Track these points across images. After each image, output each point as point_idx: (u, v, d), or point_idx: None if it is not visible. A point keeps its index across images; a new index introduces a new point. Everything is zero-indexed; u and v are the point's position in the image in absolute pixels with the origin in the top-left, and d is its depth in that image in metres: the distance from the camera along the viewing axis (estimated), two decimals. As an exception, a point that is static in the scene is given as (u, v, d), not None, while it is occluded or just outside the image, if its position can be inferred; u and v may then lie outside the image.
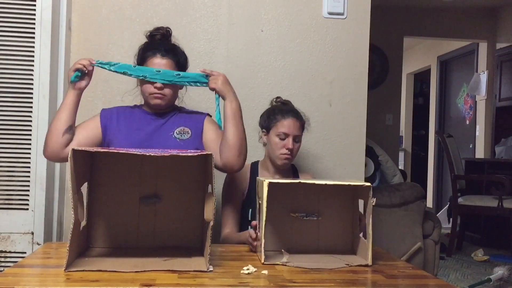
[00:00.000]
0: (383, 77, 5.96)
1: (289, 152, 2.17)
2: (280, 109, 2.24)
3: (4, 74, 2.37)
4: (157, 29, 2.10)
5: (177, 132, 2.02)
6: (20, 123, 2.37)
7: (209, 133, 2.06)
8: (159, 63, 1.99)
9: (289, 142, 2.16)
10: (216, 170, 1.91)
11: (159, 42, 2.07)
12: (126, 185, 1.70)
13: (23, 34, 2.38)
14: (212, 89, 2.01)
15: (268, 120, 2.23)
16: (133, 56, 2.12)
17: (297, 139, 2.20)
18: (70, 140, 1.94)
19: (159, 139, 2.01)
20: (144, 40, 2.12)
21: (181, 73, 2.00)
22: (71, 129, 1.95)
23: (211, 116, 2.14)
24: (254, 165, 2.31)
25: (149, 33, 2.10)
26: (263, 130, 2.27)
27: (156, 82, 1.96)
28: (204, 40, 2.65)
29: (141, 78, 1.97)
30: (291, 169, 2.33)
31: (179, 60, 2.06)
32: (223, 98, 1.99)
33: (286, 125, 2.17)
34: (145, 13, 2.60)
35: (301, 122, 2.22)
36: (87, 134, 2.00)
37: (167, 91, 1.99)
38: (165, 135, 2.02)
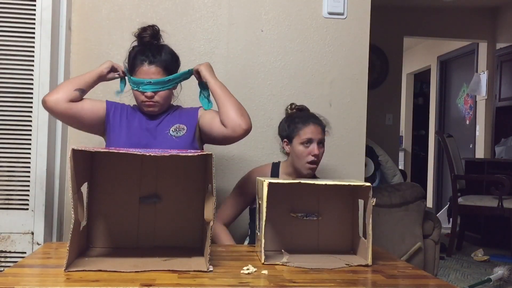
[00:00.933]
0: (383, 77, 5.96)
1: (315, 159, 2.15)
2: (299, 116, 2.22)
3: (4, 74, 2.37)
4: (144, 29, 2.06)
5: (173, 130, 2.04)
6: (20, 123, 2.37)
7: (207, 114, 2.08)
8: (148, 71, 1.98)
9: (314, 147, 2.14)
10: (215, 168, 1.91)
11: (148, 45, 2.04)
12: (126, 185, 1.71)
13: (23, 34, 2.38)
14: (196, 72, 2.09)
15: (289, 130, 2.20)
16: (133, 56, 2.12)
17: (321, 143, 2.18)
18: (77, 99, 2.01)
19: (157, 139, 2.03)
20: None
21: (171, 77, 2.02)
22: (83, 92, 2.03)
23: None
24: (276, 166, 2.29)
25: (137, 34, 2.07)
26: (285, 140, 2.24)
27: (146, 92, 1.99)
28: (204, 40, 2.65)
29: (135, 89, 2.01)
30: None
31: (167, 65, 2.03)
32: (206, 80, 2.06)
33: (309, 131, 2.15)
34: (145, 13, 2.60)
35: (322, 125, 2.21)
36: (93, 105, 2.05)
37: (158, 98, 2.01)
38: (162, 133, 2.04)
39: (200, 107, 2.14)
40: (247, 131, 1.98)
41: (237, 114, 1.97)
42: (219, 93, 2.02)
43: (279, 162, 2.32)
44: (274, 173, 2.27)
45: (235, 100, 2.02)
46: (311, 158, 2.15)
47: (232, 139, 2.00)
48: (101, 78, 2.07)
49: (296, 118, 2.21)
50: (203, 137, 2.11)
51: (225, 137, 2.01)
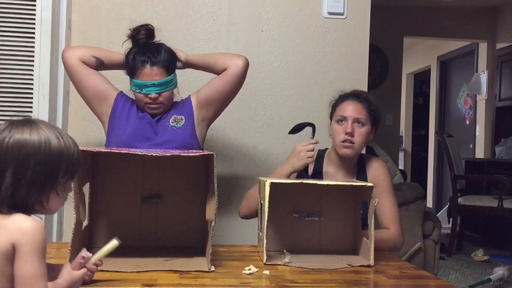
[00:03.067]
0: (383, 77, 5.96)
1: (348, 138, 1.92)
2: (341, 94, 2.05)
3: (4, 74, 2.36)
4: (138, 30, 2.03)
5: (172, 121, 2.05)
6: (20, 123, 2.36)
7: (200, 90, 2.13)
8: (150, 73, 1.96)
9: (347, 125, 1.93)
10: (217, 168, 1.91)
11: (144, 46, 2.01)
12: (128, 185, 1.70)
13: (23, 34, 2.38)
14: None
15: (331, 109, 2.06)
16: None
17: (358, 122, 1.94)
18: (91, 65, 2.05)
19: (159, 133, 2.03)
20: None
21: (172, 76, 2.01)
22: (101, 63, 2.06)
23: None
24: (321, 152, 2.09)
25: (131, 36, 2.04)
26: (329, 122, 2.07)
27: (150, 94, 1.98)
28: (204, 40, 2.64)
29: (138, 92, 1.99)
30: (357, 163, 2.04)
31: (168, 64, 2.01)
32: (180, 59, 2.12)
33: (344, 107, 1.96)
34: (145, 13, 2.59)
35: (364, 104, 1.96)
36: (101, 83, 2.07)
37: (162, 98, 2.00)
38: (163, 126, 2.04)
39: (190, 95, 2.15)
40: (246, 59, 2.08)
41: (228, 54, 2.20)
42: (203, 57, 2.16)
43: (326, 149, 2.12)
44: (319, 159, 2.08)
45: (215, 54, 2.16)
46: (343, 136, 1.93)
47: (238, 74, 2.07)
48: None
49: (338, 96, 2.05)
50: (216, 106, 2.11)
51: (233, 76, 2.06)
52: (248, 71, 2.65)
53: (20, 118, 1.17)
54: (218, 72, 2.08)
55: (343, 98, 2.01)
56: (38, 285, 1.04)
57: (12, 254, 1.03)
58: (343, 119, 1.96)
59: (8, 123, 1.14)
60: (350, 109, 1.95)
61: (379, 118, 2.03)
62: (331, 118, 2.05)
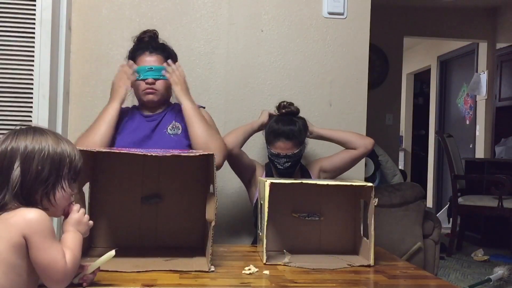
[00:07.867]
0: (383, 77, 5.95)
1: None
2: (274, 129, 2.26)
3: (4, 74, 2.36)
4: (144, 32, 2.16)
5: (170, 128, 2.06)
6: (20, 123, 2.36)
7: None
8: (149, 60, 2.04)
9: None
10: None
11: (148, 42, 2.12)
12: (128, 185, 1.70)
13: (23, 34, 2.38)
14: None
15: (265, 137, 2.30)
16: (133, 56, 2.12)
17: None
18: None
19: (156, 138, 2.03)
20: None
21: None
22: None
23: (204, 107, 2.21)
24: (268, 165, 2.37)
25: (136, 38, 2.16)
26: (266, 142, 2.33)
27: (147, 79, 2.02)
28: (204, 40, 2.64)
29: (138, 79, 2.03)
30: (299, 168, 2.35)
31: (168, 55, 2.09)
32: (179, 99, 2.04)
33: (277, 147, 2.22)
34: (145, 13, 2.59)
35: (294, 141, 2.22)
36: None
37: (158, 86, 2.03)
38: (160, 132, 2.05)
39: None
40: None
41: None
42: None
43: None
44: (268, 172, 2.35)
45: (205, 127, 2.01)
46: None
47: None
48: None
49: (273, 127, 2.26)
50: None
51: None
52: (248, 71, 2.67)
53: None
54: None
55: (276, 136, 2.23)
56: (58, 266, 1.13)
57: (24, 245, 1.10)
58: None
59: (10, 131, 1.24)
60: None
61: (305, 135, 2.30)
62: (267, 143, 2.28)
